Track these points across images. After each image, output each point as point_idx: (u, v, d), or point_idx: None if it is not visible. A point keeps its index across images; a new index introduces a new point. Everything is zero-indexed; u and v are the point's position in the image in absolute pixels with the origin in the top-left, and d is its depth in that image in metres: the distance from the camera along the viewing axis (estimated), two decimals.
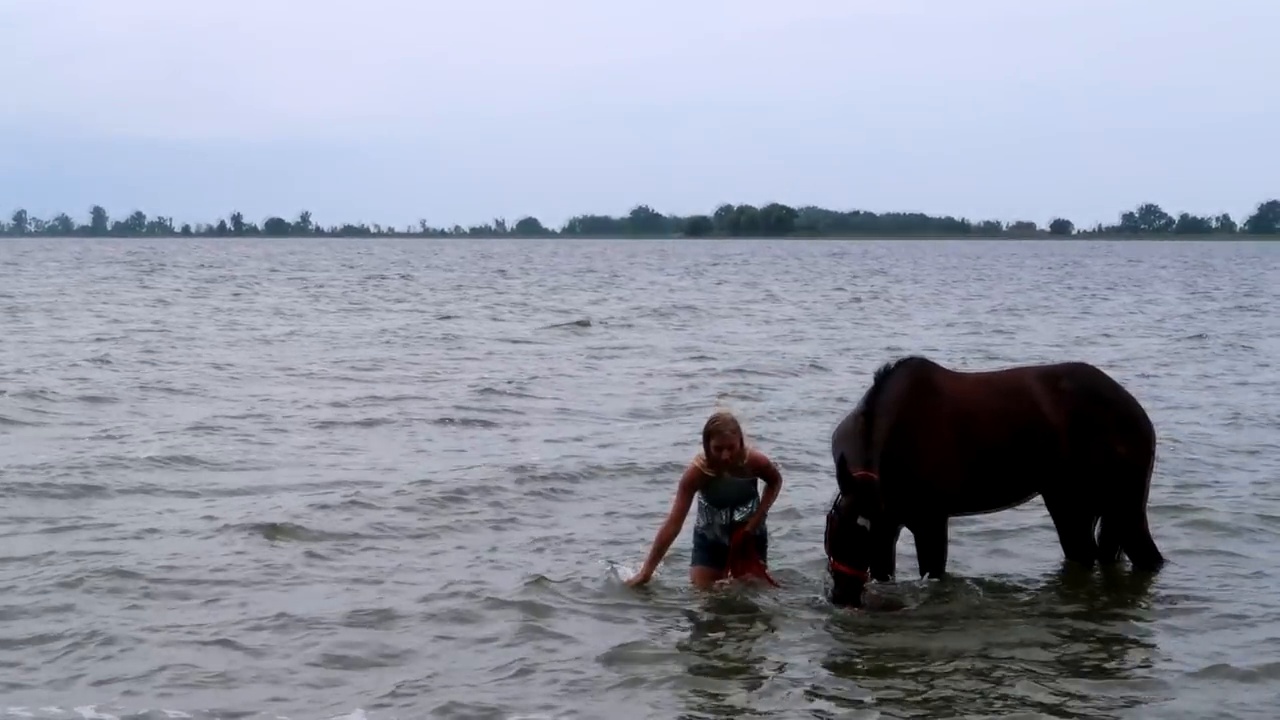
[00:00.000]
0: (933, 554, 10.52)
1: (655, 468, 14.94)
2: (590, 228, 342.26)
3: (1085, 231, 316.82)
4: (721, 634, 9.41)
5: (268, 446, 16.55)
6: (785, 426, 18.03)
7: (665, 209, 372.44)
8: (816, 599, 10.02)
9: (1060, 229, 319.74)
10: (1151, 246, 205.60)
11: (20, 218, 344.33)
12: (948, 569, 10.64)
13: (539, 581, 10.31)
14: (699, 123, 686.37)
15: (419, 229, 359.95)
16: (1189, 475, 14.84)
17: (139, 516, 12.68)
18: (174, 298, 49.69)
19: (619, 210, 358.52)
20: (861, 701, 8.17)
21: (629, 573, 10.32)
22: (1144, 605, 10.30)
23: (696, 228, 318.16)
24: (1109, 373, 11.97)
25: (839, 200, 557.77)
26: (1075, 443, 10.54)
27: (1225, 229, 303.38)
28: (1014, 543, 12.01)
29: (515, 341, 32.15)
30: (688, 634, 9.45)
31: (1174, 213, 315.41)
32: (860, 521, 9.68)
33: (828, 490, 10.41)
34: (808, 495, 13.20)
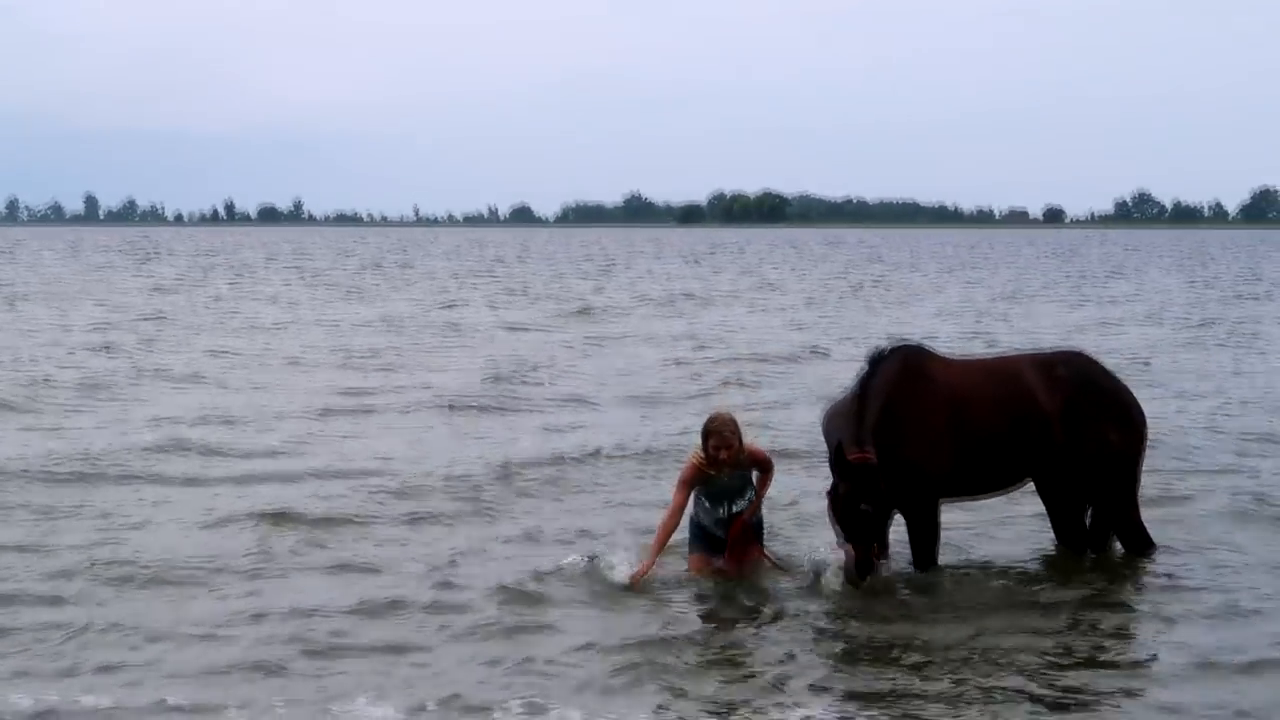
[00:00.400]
0: (924, 540, 10.56)
1: (657, 455, 14.91)
2: (583, 215, 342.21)
3: (1078, 219, 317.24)
4: (719, 624, 9.43)
5: (267, 434, 16.51)
6: (787, 415, 18.03)
7: (658, 196, 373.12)
8: (814, 581, 10.08)
9: (1053, 216, 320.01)
10: (1146, 235, 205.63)
11: (13, 206, 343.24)
12: (943, 558, 10.65)
13: (541, 572, 10.29)
14: (691, 109, 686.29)
15: (412, 217, 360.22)
16: (1186, 462, 14.84)
17: (138, 505, 12.64)
18: (174, 286, 49.58)
19: (611, 197, 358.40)
20: (860, 692, 8.19)
21: (625, 568, 10.21)
22: (1138, 594, 10.34)
23: (690, 215, 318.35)
24: (1110, 360, 11.95)
25: (831, 188, 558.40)
26: (1068, 430, 10.60)
27: (1219, 217, 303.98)
28: (1007, 529, 12.01)
29: (516, 329, 32.07)
30: (688, 625, 9.44)
31: (1167, 200, 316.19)
32: (863, 507, 9.76)
33: (826, 477, 10.37)
34: (808, 482, 13.16)
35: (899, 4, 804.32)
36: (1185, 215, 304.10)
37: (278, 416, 17.86)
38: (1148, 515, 11.16)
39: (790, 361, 25.00)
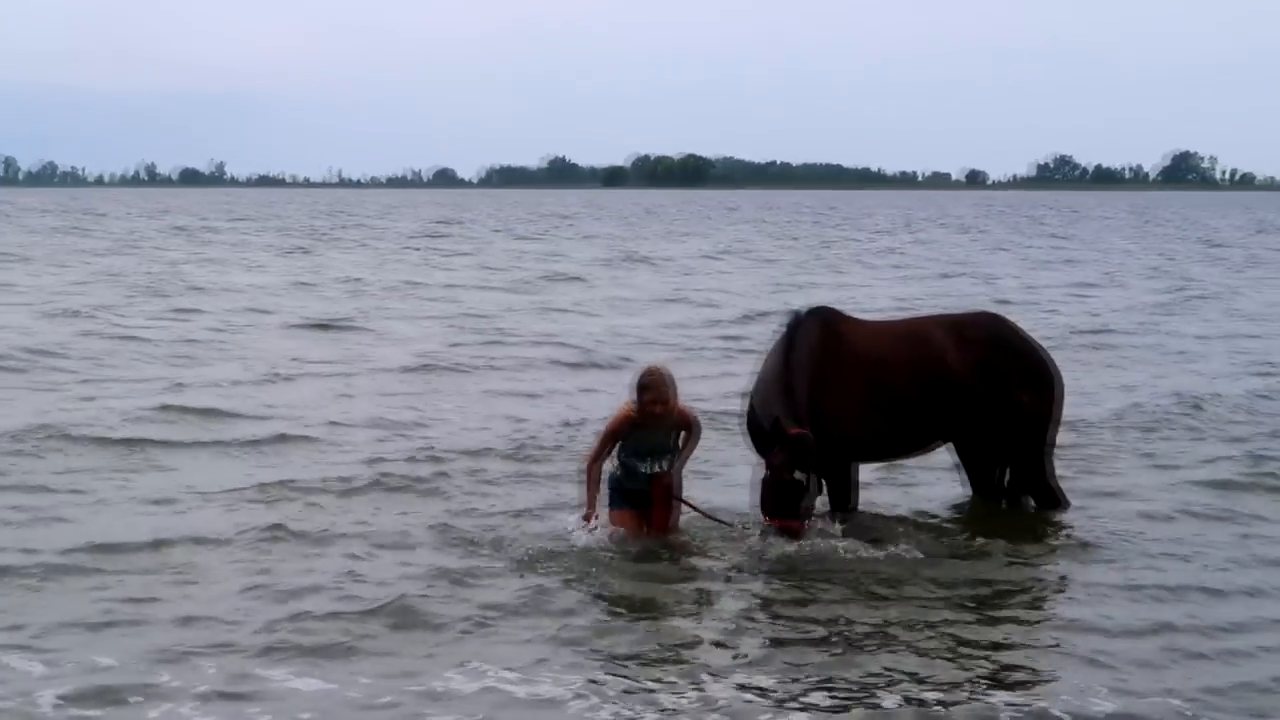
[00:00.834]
0: (842, 498, 10.78)
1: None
2: (507, 178, 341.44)
3: (1000, 181, 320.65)
4: (657, 586, 9.38)
5: (270, 406, 15.97)
6: None
7: (579, 158, 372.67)
8: (754, 539, 10.08)
9: (975, 179, 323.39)
10: (1070, 196, 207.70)
11: None
12: (864, 506, 10.95)
13: (541, 545, 10.07)
14: (610, 73, 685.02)
15: (335, 179, 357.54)
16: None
17: (136, 483, 12.15)
18: (136, 248, 48.33)
19: (532, 160, 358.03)
20: (787, 640, 8.32)
21: (580, 532, 10.15)
22: (1056, 547, 10.43)
23: (613, 177, 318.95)
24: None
25: (752, 150, 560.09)
26: (980, 391, 10.72)
27: (1139, 179, 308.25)
28: (929, 485, 12.07)
29: (495, 289, 31.74)
30: (626, 588, 9.37)
31: (1088, 163, 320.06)
32: (797, 475, 9.88)
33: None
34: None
35: None
36: (1106, 178, 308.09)
37: (276, 375, 18.04)
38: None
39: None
